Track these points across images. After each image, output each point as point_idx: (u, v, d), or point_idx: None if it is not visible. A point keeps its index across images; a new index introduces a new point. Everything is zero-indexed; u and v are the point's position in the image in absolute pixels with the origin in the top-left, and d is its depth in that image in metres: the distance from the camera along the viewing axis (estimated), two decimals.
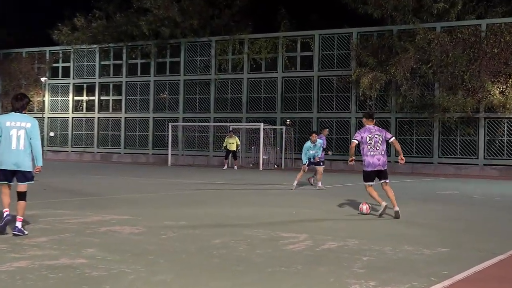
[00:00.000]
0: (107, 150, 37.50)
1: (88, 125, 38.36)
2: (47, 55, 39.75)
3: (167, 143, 32.83)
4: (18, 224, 7.24)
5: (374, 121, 10.40)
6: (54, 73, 39.66)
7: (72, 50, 38.65)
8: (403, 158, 10.05)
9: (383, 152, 10.04)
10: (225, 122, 33.43)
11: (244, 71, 33.88)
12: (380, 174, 10.13)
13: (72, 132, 38.77)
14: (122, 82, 37.41)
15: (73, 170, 24.12)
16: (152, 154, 35.92)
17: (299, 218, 9.67)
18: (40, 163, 7.47)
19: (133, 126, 36.96)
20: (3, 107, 40.17)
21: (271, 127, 30.96)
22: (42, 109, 39.06)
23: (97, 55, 38.17)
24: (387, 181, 10.19)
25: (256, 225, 8.52)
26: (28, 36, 45.54)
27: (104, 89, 38.40)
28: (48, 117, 39.46)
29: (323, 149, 16.41)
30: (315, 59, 32.19)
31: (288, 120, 32.62)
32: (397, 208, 9.91)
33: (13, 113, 7.46)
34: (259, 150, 29.42)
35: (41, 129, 38.50)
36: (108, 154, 36.98)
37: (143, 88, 36.76)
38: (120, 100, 37.53)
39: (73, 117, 38.78)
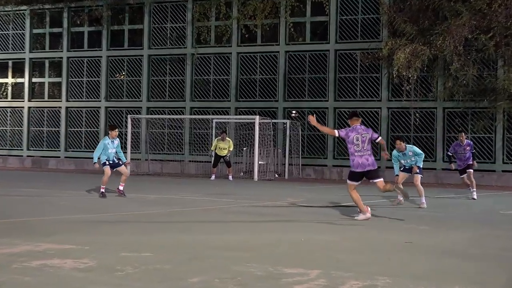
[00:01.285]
0: (41, 153, 37.55)
1: (14, 118, 38.42)
2: None
3: (125, 143, 32.86)
4: None
5: (360, 119, 13.52)
6: None
7: None
8: (387, 153, 13.65)
9: (369, 152, 13.09)
10: (206, 114, 33.45)
11: (233, 43, 33.92)
12: (370, 174, 13.14)
13: None
14: (62, 58, 37.42)
15: None
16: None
17: (309, 247, 9.70)
18: None
19: (77, 119, 36.96)
20: None
21: (270, 121, 31.04)
22: None
23: (28, 21, 38.15)
24: (379, 180, 13.22)
25: (249, 257, 8.54)
26: None
27: (37, 67, 38.39)
28: None
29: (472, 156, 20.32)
30: (331, 27, 32.26)
31: (293, 112, 32.71)
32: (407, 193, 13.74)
33: None
34: (253, 153, 29.47)
35: None
36: (42, 159, 36.99)
37: (92, 66, 36.77)
38: (59, 83, 37.56)
39: None
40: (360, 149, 12.95)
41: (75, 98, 37.10)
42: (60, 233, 10.52)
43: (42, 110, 37.88)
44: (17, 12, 38.40)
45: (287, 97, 33.00)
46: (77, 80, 37.11)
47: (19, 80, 38.66)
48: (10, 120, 38.55)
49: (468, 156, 20.00)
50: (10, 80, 38.94)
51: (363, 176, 13.17)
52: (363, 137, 12.97)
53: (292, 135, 31.86)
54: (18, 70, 38.71)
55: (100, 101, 36.44)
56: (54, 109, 37.52)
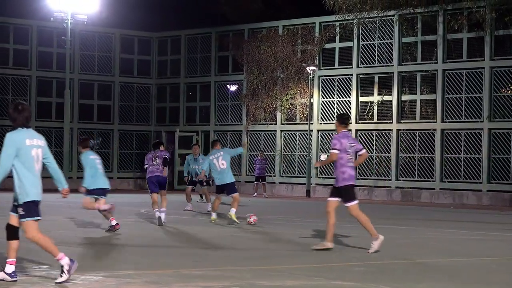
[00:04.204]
0: (412, 183, 40.08)
1: (381, 142, 41.26)
2: (317, 29, 43.60)
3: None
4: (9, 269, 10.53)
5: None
6: (328, 59, 43.52)
7: (355, 21, 41.38)
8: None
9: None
10: None
11: None
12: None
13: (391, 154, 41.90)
14: (437, 70, 39.45)
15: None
16: (488, 190, 37.69)
17: None
18: (66, 185, 10.87)
19: (455, 143, 38.86)
20: (248, 115, 45.43)
21: None
22: (307, 118, 42.37)
23: (396, 28, 40.57)
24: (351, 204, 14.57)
25: None
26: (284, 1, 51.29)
27: (407, 82, 41.00)
28: (318, 130, 43.18)
29: None
30: None
31: None
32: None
33: (23, 129, 10.53)
34: None
35: (307, 149, 42.33)
36: (413, 191, 39.66)
37: (472, 79, 38.34)
38: (433, 100, 39.79)
39: (358, 130, 41.80)
40: (351, 159, 14.67)
41: (451, 119, 38.97)
42: (425, 282, 11.93)
43: (413, 133, 40.22)
44: (383, 18, 40.97)
45: None
46: (455, 97, 38.98)
47: (387, 98, 41.23)
48: (376, 144, 41.43)
49: None
50: (376, 98, 41.65)
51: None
52: (352, 146, 14.71)
53: None
54: (385, 86, 41.40)
55: (481, 121, 37.93)
56: (427, 131, 39.73)
